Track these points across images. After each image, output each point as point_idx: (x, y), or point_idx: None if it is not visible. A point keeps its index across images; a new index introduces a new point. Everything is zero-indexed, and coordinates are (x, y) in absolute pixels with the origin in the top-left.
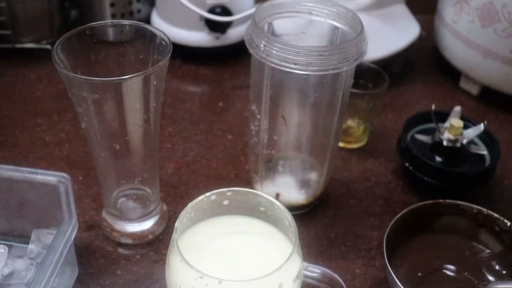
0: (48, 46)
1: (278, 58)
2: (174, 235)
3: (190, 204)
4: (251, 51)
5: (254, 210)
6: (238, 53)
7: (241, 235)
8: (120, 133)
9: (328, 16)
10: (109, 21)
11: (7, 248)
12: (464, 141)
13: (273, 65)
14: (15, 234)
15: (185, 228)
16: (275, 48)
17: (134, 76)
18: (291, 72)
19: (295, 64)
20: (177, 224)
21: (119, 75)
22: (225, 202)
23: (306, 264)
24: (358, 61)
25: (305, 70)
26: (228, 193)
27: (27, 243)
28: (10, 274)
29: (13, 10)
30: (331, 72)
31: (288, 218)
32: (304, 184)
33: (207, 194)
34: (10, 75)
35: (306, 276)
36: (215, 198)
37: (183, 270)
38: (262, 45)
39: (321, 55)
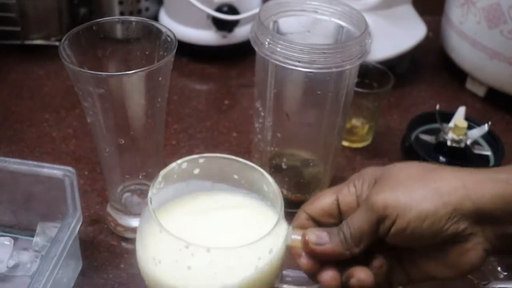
0: (57, 43)
1: (282, 56)
2: (150, 206)
3: (161, 172)
4: (255, 48)
5: (229, 178)
6: (245, 51)
7: (223, 209)
8: (125, 128)
9: (333, 15)
10: (116, 17)
11: (12, 241)
12: (468, 142)
13: (277, 62)
14: (21, 227)
15: (161, 202)
16: (279, 46)
17: (138, 71)
18: (294, 70)
19: (299, 61)
20: (150, 194)
21: (125, 71)
22: (196, 171)
23: (291, 228)
24: (362, 59)
25: (308, 68)
26: (200, 160)
27: (33, 236)
28: (15, 266)
29: (23, 7)
30: (334, 70)
31: (269, 181)
32: (307, 181)
33: (179, 161)
34: (19, 71)
35: (293, 241)
36: (186, 166)
37: (163, 241)
38: (266, 43)
39: (324, 53)
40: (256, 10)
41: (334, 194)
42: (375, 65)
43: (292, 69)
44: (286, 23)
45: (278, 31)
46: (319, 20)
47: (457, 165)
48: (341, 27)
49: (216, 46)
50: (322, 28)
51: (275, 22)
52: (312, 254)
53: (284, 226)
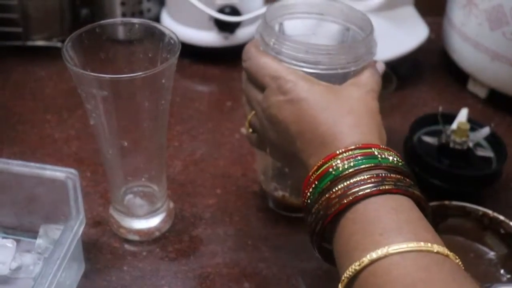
0: (59, 44)
1: (287, 56)
2: None
3: None
4: (261, 49)
5: None
6: None
7: None
8: (128, 130)
9: (339, 17)
10: (118, 19)
11: (15, 243)
12: (471, 144)
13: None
14: (24, 229)
15: None
16: (284, 46)
17: (142, 74)
18: (299, 71)
19: (304, 62)
20: None
21: (129, 73)
22: None
23: None
24: (367, 61)
25: (313, 69)
26: None
27: (35, 238)
28: (18, 268)
29: (25, 7)
30: (339, 71)
31: None
32: None
33: None
34: (21, 72)
35: None
36: None
37: None
38: (271, 43)
39: (330, 54)
40: (258, 12)
41: None
42: None
43: (297, 70)
44: (291, 26)
45: (283, 33)
46: (325, 22)
47: (460, 167)
48: (347, 29)
49: (218, 48)
50: (327, 31)
51: (281, 24)
52: None
53: None
